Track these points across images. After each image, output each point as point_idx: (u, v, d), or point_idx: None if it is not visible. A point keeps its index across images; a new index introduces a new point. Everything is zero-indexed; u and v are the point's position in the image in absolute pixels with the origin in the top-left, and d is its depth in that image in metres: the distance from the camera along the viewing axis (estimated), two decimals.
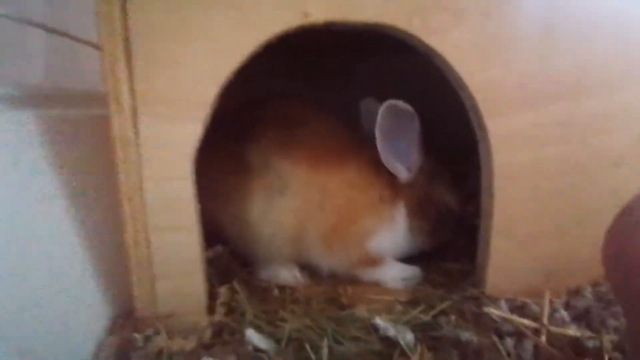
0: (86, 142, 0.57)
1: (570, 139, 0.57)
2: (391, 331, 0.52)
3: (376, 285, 0.69)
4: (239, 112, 0.74)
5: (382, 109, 0.61)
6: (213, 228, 0.67)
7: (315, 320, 0.56)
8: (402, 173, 0.67)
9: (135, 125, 0.48)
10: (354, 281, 0.69)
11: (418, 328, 0.54)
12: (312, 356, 0.48)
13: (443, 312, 0.57)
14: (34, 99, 0.54)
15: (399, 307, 0.61)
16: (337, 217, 0.65)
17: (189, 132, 0.48)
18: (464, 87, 0.53)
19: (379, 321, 0.53)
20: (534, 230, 0.59)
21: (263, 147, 0.66)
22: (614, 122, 0.57)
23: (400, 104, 0.61)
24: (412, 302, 0.62)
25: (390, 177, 0.68)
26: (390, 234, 0.68)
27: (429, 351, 0.49)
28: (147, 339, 0.50)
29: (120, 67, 0.46)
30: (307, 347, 0.50)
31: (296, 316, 0.57)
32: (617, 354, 0.48)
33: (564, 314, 0.57)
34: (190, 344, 0.49)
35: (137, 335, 0.50)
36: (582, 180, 0.59)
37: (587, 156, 0.58)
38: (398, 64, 0.88)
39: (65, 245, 0.53)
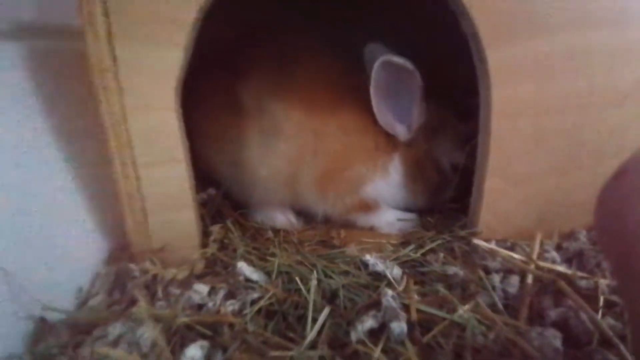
0: (75, 74, 0.56)
1: (576, 73, 0.53)
2: (379, 266, 0.52)
3: (370, 230, 0.69)
4: (235, 46, 0.69)
5: (376, 66, 0.56)
6: (208, 169, 0.68)
7: (305, 257, 0.57)
8: (401, 132, 0.64)
9: (111, 49, 0.46)
10: (348, 225, 0.70)
11: (407, 265, 0.55)
12: (302, 287, 0.49)
13: (433, 251, 0.58)
14: (26, 32, 0.52)
15: (389, 247, 0.62)
16: (331, 162, 0.64)
17: (170, 58, 0.46)
18: (464, 12, 0.49)
19: (368, 257, 0.54)
20: (531, 170, 0.58)
21: (256, 87, 0.63)
22: (620, 60, 0.53)
23: (397, 59, 0.56)
24: (404, 243, 0.63)
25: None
26: (384, 184, 0.66)
27: (415, 284, 0.50)
28: (142, 269, 0.51)
29: None
30: (297, 279, 0.51)
31: (287, 253, 0.58)
32: (615, 298, 0.47)
33: (554, 254, 0.57)
34: (183, 274, 0.50)
35: (132, 266, 0.51)
36: (584, 118, 0.56)
37: (590, 93, 0.55)
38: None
39: (63, 178, 0.54)
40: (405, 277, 0.51)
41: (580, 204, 0.61)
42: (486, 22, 0.50)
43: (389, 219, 0.69)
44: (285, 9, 0.81)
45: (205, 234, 0.60)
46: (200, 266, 0.53)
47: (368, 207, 0.68)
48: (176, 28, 0.45)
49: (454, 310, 0.44)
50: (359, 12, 0.87)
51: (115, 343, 0.38)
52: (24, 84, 0.50)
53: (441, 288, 0.48)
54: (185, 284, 0.48)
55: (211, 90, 0.65)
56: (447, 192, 0.68)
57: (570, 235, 0.62)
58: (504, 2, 0.50)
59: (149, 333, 0.38)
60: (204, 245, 0.57)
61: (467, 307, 0.44)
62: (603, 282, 0.48)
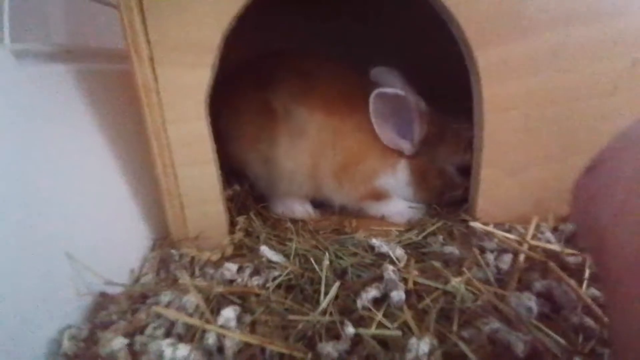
0: (114, 92, 0.66)
1: (563, 67, 0.58)
2: (384, 248, 0.59)
3: (381, 219, 0.76)
4: (259, 64, 0.82)
5: (372, 97, 0.65)
6: (242, 167, 0.80)
7: (319, 241, 0.65)
8: (406, 148, 0.71)
9: (154, 72, 0.55)
10: (360, 215, 0.77)
11: (410, 247, 0.62)
12: (316, 267, 0.57)
13: (433, 234, 0.64)
14: (58, 54, 0.62)
15: (395, 233, 0.68)
16: (347, 156, 0.73)
17: (200, 76, 0.55)
18: (453, 20, 0.55)
19: (375, 241, 0.61)
20: (523, 159, 0.63)
21: (283, 96, 0.74)
22: (607, 50, 0.57)
23: (389, 91, 0.65)
24: (408, 230, 0.69)
25: None
26: (393, 180, 0.74)
27: (416, 262, 0.57)
28: (182, 254, 0.61)
29: (136, 20, 0.53)
30: (312, 260, 0.59)
31: (303, 239, 0.67)
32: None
33: (549, 235, 0.61)
34: (215, 256, 0.59)
35: (173, 251, 0.61)
36: (574, 108, 0.60)
37: (579, 84, 0.59)
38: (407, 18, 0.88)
39: (114, 181, 0.64)
40: (406, 257, 0.58)
41: None
42: (473, 28, 0.56)
43: (399, 209, 0.76)
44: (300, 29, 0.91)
45: (232, 224, 0.69)
46: (229, 250, 0.62)
47: (379, 195, 0.75)
48: (204, 51, 0.55)
49: (447, 281, 0.50)
50: (365, 26, 0.95)
51: (166, 307, 0.47)
52: (80, 100, 0.61)
53: (437, 264, 0.54)
54: (218, 265, 0.57)
55: (246, 100, 0.78)
56: (453, 192, 0.73)
57: (566, 219, 0.66)
58: (489, 8, 0.55)
59: (192, 299, 0.47)
60: (232, 233, 0.66)
61: (459, 279, 0.50)
62: (590, 257, 0.53)
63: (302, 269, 0.57)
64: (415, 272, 0.53)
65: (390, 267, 0.52)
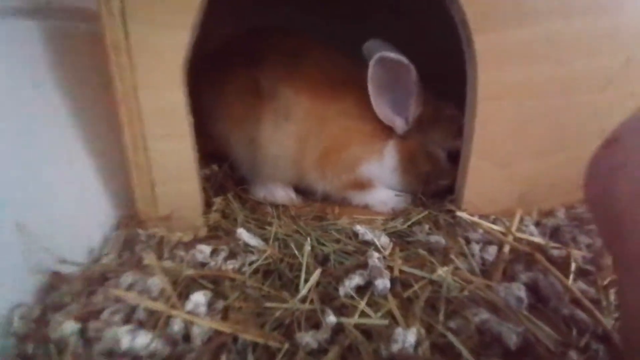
0: (82, 53, 0.60)
1: (559, 58, 0.57)
2: (369, 235, 0.57)
3: (364, 208, 0.74)
4: (248, 40, 0.77)
5: (372, 62, 0.60)
6: (224, 147, 0.75)
7: (301, 227, 0.61)
8: (399, 125, 0.68)
9: (125, 29, 0.50)
10: (344, 204, 0.74)
11: (394, 235, 0.60)
12: (296, 252, 0.54)
13: (419, 223, 0.62)
14: (38, 11, 0.55)
15: (379, 220, 0.66)
16: (331, 143, 0.69)
17: (178, 38, 0.50)
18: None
19: (359, 227, 0.59)
20: (514, 151, 0.62)
21: (271, 75, 0.70)
22: (603, 44, 0.57)
23: (393, 55, 0.60)
24: (393, 218, 0.67)
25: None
26: (378, 167, 0.71)
27: (401, 251, 0.54)
28: (150, 234, 0.56)
29: None
30: (292, 245, 0.55)
31: (284, 224, 0.63)
32: (589, 267, 0.50)
33: (532, 229, 0.61)
34: (187, 237, 0.55)
35: (140, 231, 0.56)
36: (566, 102, 0.60)
37: (573, 78, 0.58)
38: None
39: (79, 148, 0.58)
40: (391, 245, 0.55)
41: (561, 184, 0.65)
42: (474, 8, 0.53)
43: (382, 198, 0.73)
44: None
45: (208, 205, 0.64)
46: (203, 231, 0.57)
47: (362, 185, 0.72)
48: (183, 10, 0.49)
49: (433, 271, 0.48)
50: (357, 8, 0.91)
51: (127, 290, 0.42)
52: (40, 59, 0.54)
53: (423, 252, 0.52)
54: (190, 246, 0.53)
55: (233, 77, 0.73)
56: (441, 180, 0.71)
57: (550, 213, 0.66)
58: None
59: (158, 282, 0.42)
60: (207, 214, 0.61)
61: (445, 268, 0.48)
62: (577, 253, 0.52)
63: (282, 254, 0.53)
64: (400, 261, 0.51)
65: (375, 254, 0.49)
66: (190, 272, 0.44)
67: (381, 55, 0.60)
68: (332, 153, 0.70)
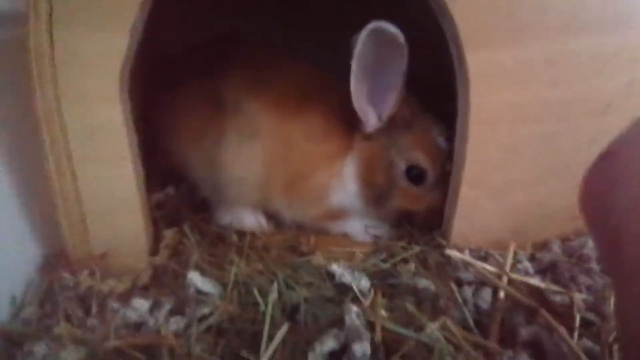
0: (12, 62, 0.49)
1: (557, 81, 0.51)
2: (347, 277, 0.48)
3: (343, 237, 0.65)
4: (209, 48, 0.68)
5: (364, 32, 0.50)
6: (182, 167, 0.65)
7: (268, 265, 0.52)
8: (372, 120, 0.59)
9: (50, 33, 0.40)
10: (319, 231, 0.66)
11: (376, 275, 0.51)
12: (259, 300, 0.45)
13: (404, 261, 0.54)
14: None
15: (359, 256, 0.58)
16: (295, 171, 0.60)
17: (113, 44, 0.41)
18: (445, 12, 0.46)
19: (335, 267, 0.50)
20: (507, 179, 0.56)
21: (235, 87, 0.61)
22: (603, 67, 0.52)
23: (390, 28, 0.50)
24: (374, 252, 0.59)
25: (348, 125, 0.60)
26: (342, 192, 0.61)
27: (383, 297, 0.46)
28: (78, 280, 0.45)
29: None
30: (255, 291, 0.46)
31: (249, 261, 0.54)
32: (591, 315, 0.45)
33: (527, 265, 0.55)
34: (123, 286, 0.44)
35: (66, 275, 0.45)
36: (564, 127, 0.54)
37: (572, 101, 0.53)
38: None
39: None
40: (372, 290, 0.47)
41: (554, 214, 0.60)
42: (467, 23, 0.47)
43: (360, 227, 0.65)
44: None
45: (158, 239, 0.55)
46: (145, 276, 0.47)
47: (335, 215, 0.64)
48: (119, 11, 0.40)
49: (422, 328, 0.40)
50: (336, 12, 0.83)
51: None
52: None
53: (410, 304, 0.44)
54: (126, 298, 0.43)
55: (191, 87, 0.63)
56: (393, 201, 0.61)
57: (544, 246, 0.60)
58: (486, 4, 0.47)
59: (71, 357, 0.32)
60: (154, 252, 0.51)
61: (436, 324, 0.41)
62: (578, 297, 0.46)
63: (241, 305, 0.44)
64: (383, 313, 0.43)
65: (354, 310, 0.41)
66: (116, 342, 0.34)
67: (376, 25, 0.50)
68: (298, 182, 0.61)
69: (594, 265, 0.52)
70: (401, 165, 0.59)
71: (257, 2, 0.79)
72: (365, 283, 0.48)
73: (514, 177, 0.56)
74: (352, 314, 0.40)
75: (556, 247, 0.59)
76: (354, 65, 0.53)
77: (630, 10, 0.52)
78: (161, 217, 0.59)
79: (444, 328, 0.41)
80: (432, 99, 0.63)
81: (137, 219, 0.49)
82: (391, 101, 0.57)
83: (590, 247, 0.55)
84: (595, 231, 0.29)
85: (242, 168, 0.61)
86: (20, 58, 0.46)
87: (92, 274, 0.46)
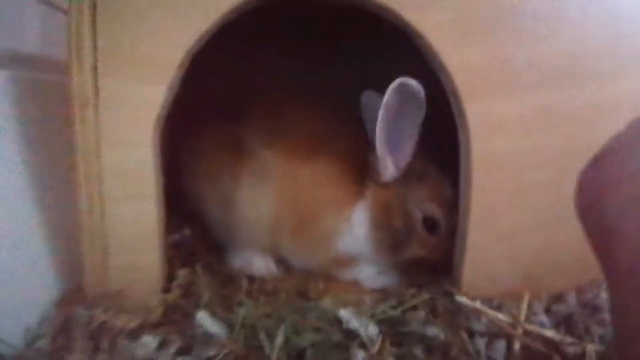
0: (53, 105, 0.56)
1: (554, 129, 0.53)
2: (354, 323, 0.48)
3: (353, 283, 0.65)
4: (233, 97, 0.74)
5: (392, 87, 0.54)
6: (198, 208, 0.68)
7: (275, 309, 0.52)
8: (389, 169, 0.61)
9: (95, 83, 0.46)
10: (329, 277, 0.66)
11: (385, 322, 0.51)
12: (266, 344, 0.45)
13: (414, 308, 0.53)
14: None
15: (368, 302, 0.57)
16: (304, 214, 0.62)
17: (152, 94, 0.46)
18: (442, 68, 0.51)
19: (343, 313, 0.50)
20: (514, 224, 0.56)
21: (253, 132, 0.66)
22: (601, 116, 0.54)
23: (414, 83, 0.54)
24: (384, 299, 0.58)
25: (359, 172, 0.63)
26: (351, 238, 0.62)
27: (392, 345, 0.45)
28: (92, 315, 0.47)
29: (83, 22, 0.44)
30: (262, 334, 0.46)
31: (257, 303, 0.54)
32: None
33: (544, 318, 0.53)
34: (134, 322, 0.45)
35: (80, 311, 0.47)
36: (564, 173, 0.54)
37: (570, 148, 0.54)
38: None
39: (18, 210, 0.51)
40: (381, 337, 0.46)
41: (569, 262, 0.58)
42: (464, 79, 0.51)
43: (370, 273, 0.65)
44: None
45: (172, 278, 0.56)
46: (157, 313, 0.48)
47: (343, 262, 0.64)
48: (160, 67, 0.46)
49: None
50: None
51: None
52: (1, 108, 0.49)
53: (419, 351, 0.43)
54: (136, 334, 0.44)
55: (211, 131, 0.68)
56: (413, 249, 0.62)
57: (559, 297, 0.58)
58: (481, 59, 0.51)
59: None
60: (167, 290, 0.53)
61: None
62: (591, 348, 0.44)
63: (247, 347, 0.44)
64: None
65: (361, 355, 0.40)
66: None
67: (402, 81, 0.54)
68: (306, 226, 0.62)
69: (606, 316, 0.50)
70: (418, 215, 0.62)
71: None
72: (373, 329, 0.47)
73: (521, 222, 0.56)
74: None
75: (571, 299, 0.57)
76: (382, 114, 0.56)
77: (624, 65, 0.54)
78: (176, 256, 0.61)
79: None
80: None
81: (153, 257, 0.51)
82: (408, 151, 0.60)
83: (603, 297, 0.54)
84: (589, 232, 0.29)
85: (253, 210, 0.63)
86: (56, 101, 0.53)
87: (106, 309, 0.47)
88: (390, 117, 0.57)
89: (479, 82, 0.51)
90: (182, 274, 0.56)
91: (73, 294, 0.52)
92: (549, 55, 0.52)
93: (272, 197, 0.62)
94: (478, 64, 0.51)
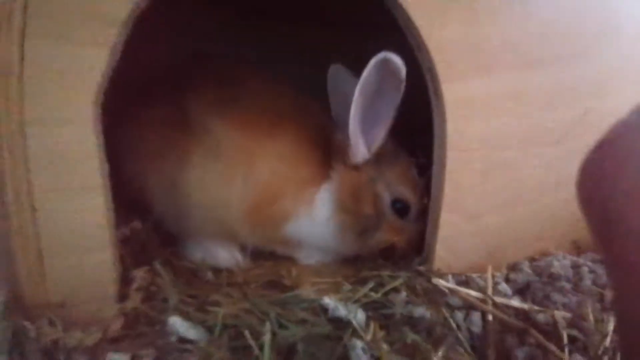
0: None
1: (522, 110, 0.56)
2: (341, 311, 0.46)
3: (324, 265, 0.63)
4: (177, 68, 0.66)
5: (373, 62, 0.50)
6: (142, 194, 0.59)
7: (255, 303, 0.48)
8: (361, 152, 0.58)
9: (21, 47, 0.36)
10: (298, 263, 0.63)
11: (369, 307, 0.50)
12: (253, 344, 0.41)
13: (394, 289, 0.54)
14: None
15: (346, 287, 0.56)
16: (260, 194, 0.57)
17: (91, 59, 0.37)
18: (422, 45, 0.50)
19: (328, 301, 0.48)
20: (481, 204, 0.59)
21: (202, 106, 0.58)
22: (561, 98, 0.58)
23: (397, 60, 0.50)
24: (361, 281, 0.58)
25: (323, 151, 0.59)
26: (308, 222, 0.58)
27: (381, 329, 0.45)
28: (40, 330, 0.38)
29: None
30: (246, 333, 0.42)
31: (233, 300, 0.49)
32: (573, 331, 0.47)
33: (505, 287, 0.57)
34: (92, 338, 0.38)
35: (27, 324, 0.37)
36: (523, 154, 0.59)
37: (530, 130, 0.58)
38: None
39: None
40: (370, 323, 0.46)
41: (524, 237, 0.64)
42: (441, 57, 0.51)
43: (305, 253, 0.63)
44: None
45: (126, 280, 0.48)
46: (117, 326, 0.41)
47: (288, 244, 0.62)
48: (102, 25, 0.37)
49: (427, 359, 0.39)
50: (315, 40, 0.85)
51: None
52: None
53: (408, 332, 0.43)
54: (96, 352, 0.36)
55: (154, 106, 0.59)
56: (379, 233, 0.61)
57: (515, 267, 0.63)
58: (459, 38, 0.51)
59: None
60: (123, 296, 0.45)
61: (440, 354, 0.40)
62: (559, 315, 0.49)
63: (232, 350, 0.40)
64: (385, 346, 0.41)
65: (359, 345, 0.39)
66: None
67: (385, 56, 0.50)
68: (263, 207, 0.57)
69: (565, 284, 0.56)
70: (387, 198, 0.60)
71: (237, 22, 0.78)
72: (361, 316, 0.46)
73: (489, 202, 0.59)
74: (358, 349, 0.38)
75: (526, 267, 0.63)
76: (359, 92, 0.52)
77: (586, 46, 0.58)
78: (127, 254, 0.53)
79: (446, 357, 0.40)
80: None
81: (104, 258, 0.43)
82: (383, 132, 0.57)
83: (557, 266, 0.60)
84: (592, 220, 0.27)
85: (204, 192, 0.56)
86: None
87: (51, 323, 0.38)
88: (367, 95, 0.54)
89: (456, 62, 0.52)
90: (140, 274, 0.49)
91: (12, 305, 0.41)
92: (522, 36, 0.54)
93: (223, 175, 0.56)
94: (456, 43, 0.51)
